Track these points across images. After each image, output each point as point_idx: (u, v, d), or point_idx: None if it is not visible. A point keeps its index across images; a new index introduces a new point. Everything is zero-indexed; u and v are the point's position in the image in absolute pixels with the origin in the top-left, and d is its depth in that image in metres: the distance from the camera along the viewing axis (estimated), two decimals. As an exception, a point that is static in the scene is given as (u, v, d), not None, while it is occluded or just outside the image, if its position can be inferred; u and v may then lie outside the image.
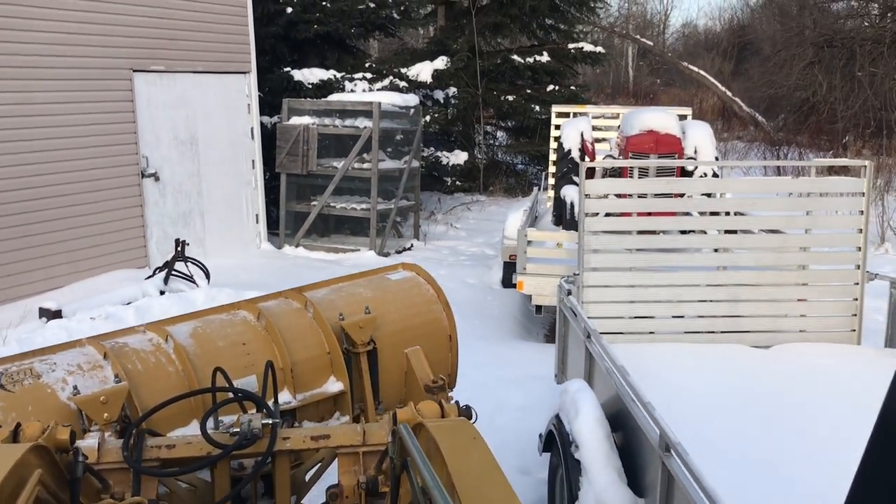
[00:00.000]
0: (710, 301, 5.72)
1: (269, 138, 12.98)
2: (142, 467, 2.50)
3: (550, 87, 18.85)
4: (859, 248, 5.76)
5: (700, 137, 9.81)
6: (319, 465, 3.22)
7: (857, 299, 5.78)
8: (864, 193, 5.72)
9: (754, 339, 5.69)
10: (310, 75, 13.80)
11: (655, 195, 5.90)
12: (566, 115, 13.24)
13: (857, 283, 5.77)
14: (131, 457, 2.50)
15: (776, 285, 5.76)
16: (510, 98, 18.66)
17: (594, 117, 12.73)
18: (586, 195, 5.68)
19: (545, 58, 18.63)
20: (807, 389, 4.74)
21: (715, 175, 9.58)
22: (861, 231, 5.75)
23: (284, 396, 3.43)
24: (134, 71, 10.32)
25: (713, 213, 6.21)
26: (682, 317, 5.75)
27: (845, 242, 5.86)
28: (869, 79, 19.06)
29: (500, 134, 21.56)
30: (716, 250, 5.91)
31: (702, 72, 33.83)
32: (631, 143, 8.80)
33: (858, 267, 5.77)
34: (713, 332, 5.73)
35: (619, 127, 10.19)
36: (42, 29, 9.17)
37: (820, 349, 5.55)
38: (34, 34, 9.09)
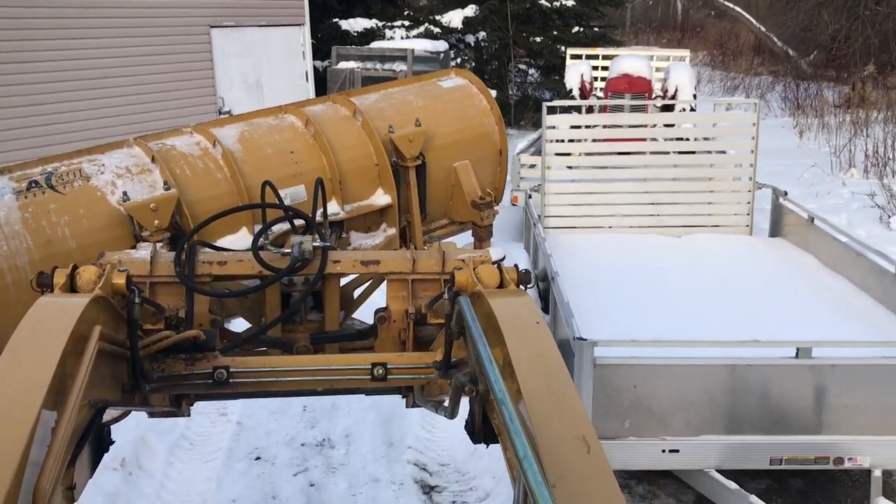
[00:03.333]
0: (638, 204, 7.86)
1: (321, 80, 15.22)
2: (195, 286, 2.52)
3: (576, 29, 20.58)
4: (752, 165, 7.81)
5: (680, 78, 11.74)
6: (369, 283, 3.17)
7: (749, 203, 7.86)
8: (754, 124, 7.75)
9: (670, 231, 7.83)
10: (355, 24, 15.93)
11: (605, 126, 8.07)
12: (579, 56, 15.10)
13: (750, 191, 7.84)
14: (184, 272, 2.52)
15: (689, 192, 7.87)
16: (538, 39, 20.47)
17: (604, 57, 14.57)
18: (549, 127, 7.83)
19: (570, 1, 20.32)
20: (700, 263, 6.91)
21: (692, 109, 11.56)
22: (753, 151, 7.79)
23: (332, 207, 3.40)
24: (211, 27, 12.62)
25: (652, 139, 8.31)
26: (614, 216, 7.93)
27: (743, 160, 7.92)
28: (871, 17, 20.32)
29: (531, 71, 23.38)
30: (645, 166, 8.03)
31: (737, 7, 34.66)
32: (610, 85, 10.82)
33: (751, 178, 7.83)
34: (640, 226, 7.88)
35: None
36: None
37: (719, 237, 7.69)
38: None
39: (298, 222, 2.91)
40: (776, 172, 14.47)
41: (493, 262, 2.50)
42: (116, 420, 2.69)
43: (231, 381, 2.44)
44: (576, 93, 12.64)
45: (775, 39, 32.67)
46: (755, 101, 7.86)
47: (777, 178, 14.02)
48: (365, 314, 2.99)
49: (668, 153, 8.26)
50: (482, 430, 2.08)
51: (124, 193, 3.00)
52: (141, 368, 2.23)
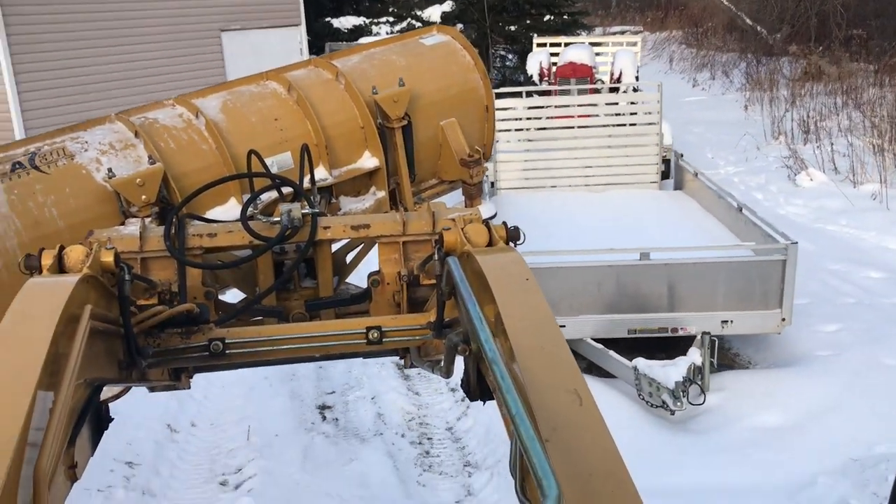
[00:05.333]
0: (571, 167, 9.99)
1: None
2: (186, 259, 2.56)
3: (547, 17, 22.60)
4: (657, 134, 9.93)
5: (623, 63, 13.87)
6: (360, 247, 3.20)
7: (657, 164, 10.00)
8: (658, 102, 9.87)
9: (595, 188, 9.97)
10: (345, 22, 18.02)
11: (530, 108, 10.23)
12: (544, 44, 17.15)
13: (657, 154, 9.97)
14: (174, 246, 2.54)
15: (610, 157, 10.00)
16: (513, 28, 22.51)
17: (566, 45, 16.61)
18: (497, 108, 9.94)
19: (540, -9, 22.32)
20: (613, 209, 9.03)
21: (635, 90, 13.65)
22: (657, 123, 9.92)
23: (320, 173, 3.36)
24: (221, 31, 14.72)
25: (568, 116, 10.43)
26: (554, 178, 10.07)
27: (652, 130, 10.05)
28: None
29: (510, 56, 25.39)
30: (575, 137, 10.16)
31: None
32: (558, 71, 12.91)
33: (658, 144, 9.96)
34: (572, 185, 10.02)
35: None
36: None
37: (633, 191, 9.84)
38: (145, 3, 13.52)
39: (287, 190, 2.96)
40: (720, 141, 16.62)
41: (483, 221, 2.53)
42: (116, 397, 2.79)
43: (227, 352, 2.49)
44: (536, 78, 14.72)
45: (745, 17, 34.58)
46: (658, 84, 10.03)
47: (718, 146, 16.20)
48: (358, 279, 3.06)
49: (594, 127, 10.39)
50: (478, 388, 2.10)
51: (109, 170, 3.01)
52: (136, 345, 2.26)
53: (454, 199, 3.98)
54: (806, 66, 23.79)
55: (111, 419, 2.21)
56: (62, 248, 2.21)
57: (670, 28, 36.96)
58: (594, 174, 10.05)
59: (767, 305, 6.58)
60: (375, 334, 2.53)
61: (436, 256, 2.44)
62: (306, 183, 2.99)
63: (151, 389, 3.00)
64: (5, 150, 3.06)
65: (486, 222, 2.49)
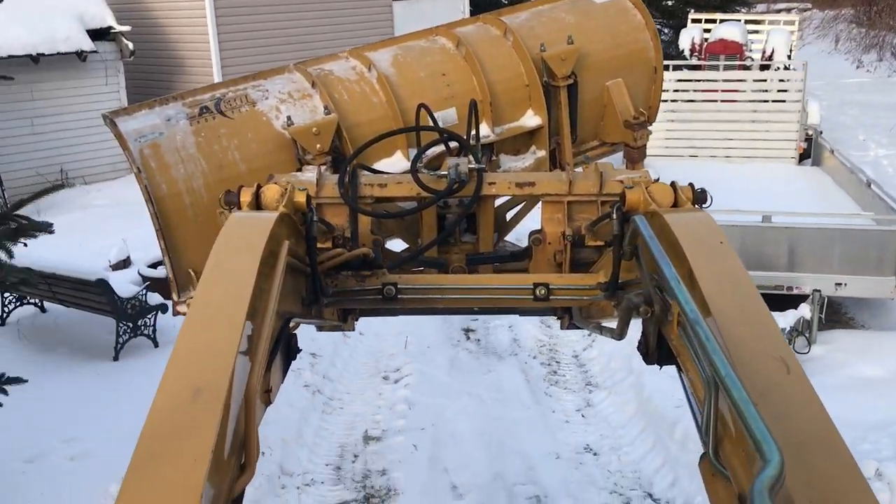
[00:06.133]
0: (712, 139, 10.58)
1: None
2: (359, 206, 2.65)
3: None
4: (799, 112, 10.34)
5: (776, 41, 14.10)
6: (522, 205, 3.23)
7: (795, 140, 10.42)
8: (802, 80, 10.28)
9: (736, 160, 10.52)
10: (506, -6, 18.83)
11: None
12: (699, 20, 17.42)
13: (797, 131, 10.40)
14: (347, 194, 2.63)
15: (754, 131, 10.51)
16: (670, 3, 22.68)
17: (720, 21, 16.87)
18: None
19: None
20: (751, 178, 9.61)
21: (786, 68, 13.88)
22: (799, 101, 10.33)
23: (483, 130, 3.37)
24: (393, 1, 15.98)
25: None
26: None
27: (795, 108, 10.46)
28: None
29: (665, 30, 25.49)
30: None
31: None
32: (709, 47, 13.33)
33: (798, 122, 10.38)
34: (714, 156, 10.59)
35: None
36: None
37: (771, 164, 10.34)
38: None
39: (451, 145, 3.03)
40: (876, 124, 16.41)
41: (671, 182, 2.43)
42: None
43: (399, 296, 2.57)
44: (686, 52, 15.14)
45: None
46: (804, 63, 10.41)
47: (872, 129, 16.02)
48: (516, 237, 3.13)
49: (738, 101, 10.87)
50: (657, 351, 2.03)
51: (288, 118, 3.13)
52: (320, 283, 2.38)
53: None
54: None
55: (300, 349, 2.32)
56: (259, 186, 2.37)
57: (841, 6, 35.35)
58: (734, 146, 10.58)
59: (882, 272, 7.09)
60: (543, 291, 2.55)
61: (614, 215, 2.35)
62: (472, 139, 3.04)
63: (319, 329, 3.16)
64: (193, 94, 3.22)
65: (673, 183, 2.42)
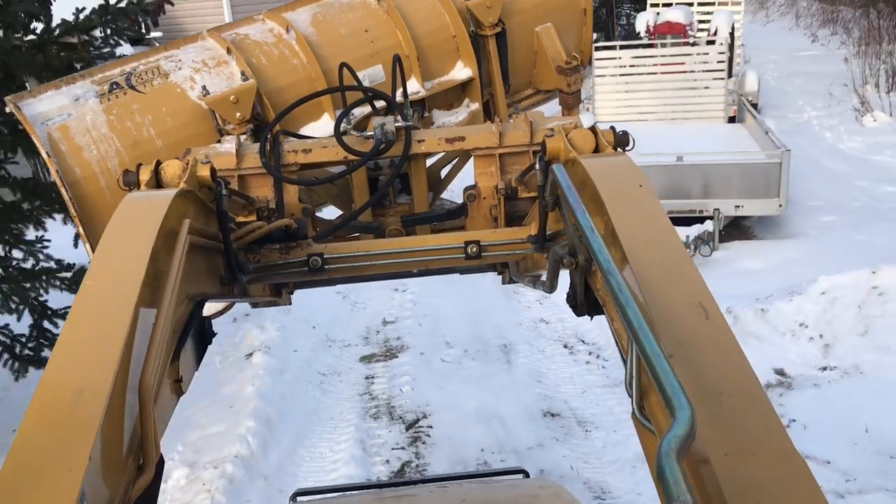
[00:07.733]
0: (655, 105, 12.85)
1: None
2: (282, 175, 2.56)
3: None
4: (724, 79, 12.60)
5: (719, 21, 16.33)
6: (455, 161, 3.20)
7: (722, 102, 12.70)
8: (721, 54, 12.54)
9: (674, 122, 12.79)
10: None
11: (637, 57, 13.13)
12: (657, 4, 19.60)
13: (723, 95, 12.67)
14: (270, 163, 2.55)
15: (687, 97, 12.77)
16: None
17: (677, 4, 19.06)
18: (604, 59, 12.89)
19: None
20: (681, 133, 11.86)
21: (710, 43, 16.11)
22: (723, 70, 12.59)
23: (412, 86, 3.29)
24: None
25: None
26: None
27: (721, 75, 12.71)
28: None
29: (634, 14, 27.71)
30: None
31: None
32: (656, 29, 15.58)
33: (724, 87, 12.63)
34: (658, 119, 12.86)
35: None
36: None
37: (703, 122, 12.60)
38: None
39: (380, 104, 2.94)
40: (815, 91, 18.61)
41: (590, 127, 2.36)
42: (220, 313, 2.87)
43: (326, 267, 2.51)
44: (643, 34, 17.37)
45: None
46: (724, 38, 12.69)
47: (811, 95, 18.23)
48: (452, 195, 3.14)
49: (677, 73, 13.09)
50: (584, 302, 2.01)
51: (203, 87, 3.03)
52: (236, 260, 2.29)
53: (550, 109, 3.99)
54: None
55: (214, 334, 2.27)
56: (159, 163, 2.23)
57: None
58: (675, 111, 12.87)
59: (769, 195, 9.37)
60: (474, 248, 2.52)
61: (537, 166, 2.27)
62: (399, 96, 2.95)
63: (254, 305, 3.13)
64: (102, 70, 3.12)
65: (593, 127, 2.34)
